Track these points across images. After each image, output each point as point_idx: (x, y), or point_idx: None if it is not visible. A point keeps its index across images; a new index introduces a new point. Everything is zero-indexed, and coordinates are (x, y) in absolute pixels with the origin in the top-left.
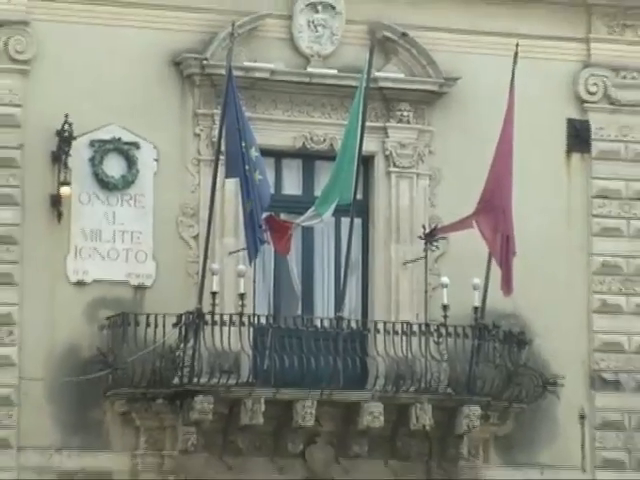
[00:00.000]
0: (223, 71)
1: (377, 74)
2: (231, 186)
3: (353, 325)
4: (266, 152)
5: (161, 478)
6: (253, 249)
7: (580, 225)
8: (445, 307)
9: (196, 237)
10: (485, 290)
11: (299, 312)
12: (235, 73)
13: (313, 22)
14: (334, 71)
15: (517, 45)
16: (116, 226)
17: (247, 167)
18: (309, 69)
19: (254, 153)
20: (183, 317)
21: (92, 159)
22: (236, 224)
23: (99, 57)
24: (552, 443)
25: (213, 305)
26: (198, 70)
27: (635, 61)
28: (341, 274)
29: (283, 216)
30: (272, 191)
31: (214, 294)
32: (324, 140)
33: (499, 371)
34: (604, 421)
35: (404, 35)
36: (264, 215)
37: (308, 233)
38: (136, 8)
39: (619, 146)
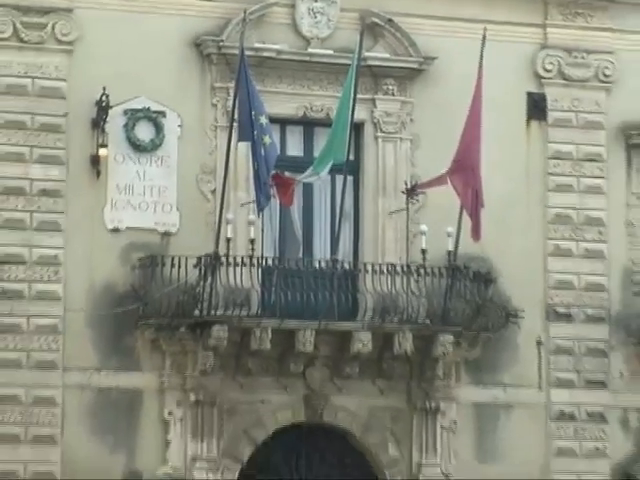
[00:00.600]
0: (236, 51)
1: (367, 54)
2: (243, 148)
3: (346, 266)
4: (273, 119)
5: (183, 395)
6: (260, 203)
7: (538, 182)
8: (424, 251)
9: (213, 191)
10: (457, 237)
11: (300, 255)
12: (246, 53)
13: (312, 10)
14: (330, 51)
15: (485, 30)
16: (146, 182)
17: (256, 132)
18: (309, 50)
19: (263, 120)
20: (202, 259)
21: (126, 125)
22: (247, 180)
23: (131, 39)
24: (513, 366)
25: (227, 249)
26: (215, 50)
27: (585, 44)
28: (336, 223)
29: (287, 174)
30: (278, 152)
31: (228, 240)
32: (322, 110)
33: (469, 305)
34: (557, 347)
35: (390, 21)
36: (272, 173)
37: (308, 188)
38: None
39: (571, 115)
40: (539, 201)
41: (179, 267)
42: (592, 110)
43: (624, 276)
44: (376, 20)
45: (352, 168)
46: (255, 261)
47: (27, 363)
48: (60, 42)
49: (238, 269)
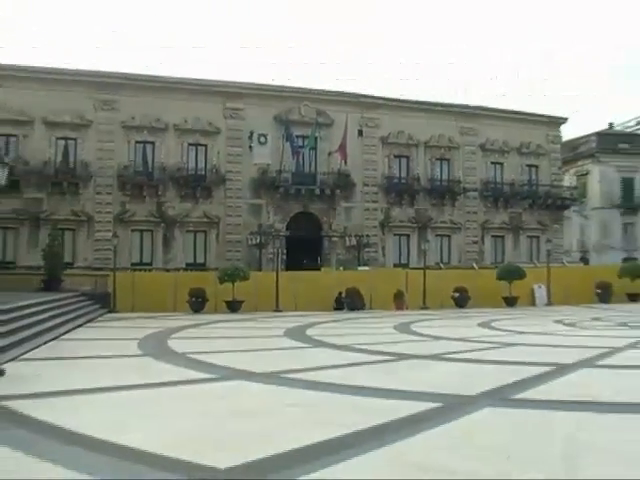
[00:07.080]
0: (288, 117)
1: (317, 119)
2: (288, 145)
3: (312, 171)
4: (297, 136)
5: (272, 203)
6: (292, 156)
7: (361, 150)
8: (333, 168)
9: (281, 154)
10: (340, 164)
11: (301, 169)
12: (290, 119)
13: (306, 108)
14: (308, 118)
15: (347, 114)
16: (260, 152)
17: (292, 139)
18: (304, 118)
19: (294, 136)
20: (275, 171)
21: (258, 138)
22: (287, 151)
23: (253, 116)
24: (355, 196)
25: (282, 167)
26: (279, 118)
27: (372, 115)
28: (313, 161)
29: (299, 149)
30: (299, 145)
31: (284, 165)
32: (309, 135)
33: (345, 179)
34: (363, 193)
35: (324, 112)
36: (296, 150)
37: (304, 153)
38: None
39: (368, 135)
40: (361, 154)
41: (269, 173)
42: (373, 135)
43: (383, 178)
44: (321, 110)
45: (314, 148)
46: (289, 170)
47: (232, 195)
48: (231, 117)
49: (284, 173)
